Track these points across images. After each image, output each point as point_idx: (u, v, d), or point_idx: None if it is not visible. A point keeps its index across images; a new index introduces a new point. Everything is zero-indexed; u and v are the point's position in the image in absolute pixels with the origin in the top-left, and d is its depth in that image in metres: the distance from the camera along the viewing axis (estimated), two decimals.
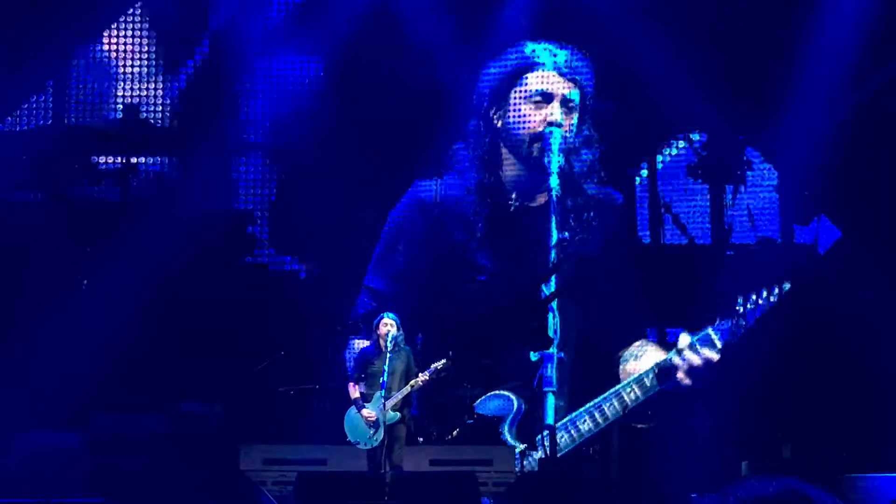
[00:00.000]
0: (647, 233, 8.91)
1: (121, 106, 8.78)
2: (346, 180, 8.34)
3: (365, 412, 5.87)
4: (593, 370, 7.09)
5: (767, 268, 8.02)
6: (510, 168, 7.10)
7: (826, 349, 7.86)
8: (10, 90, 8.35)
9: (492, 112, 7.11)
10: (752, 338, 6.71)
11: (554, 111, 6.98)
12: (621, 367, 7.00)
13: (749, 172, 8.75)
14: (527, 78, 7.09)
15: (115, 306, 7.85)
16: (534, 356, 6.68)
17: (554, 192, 6.90)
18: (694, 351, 6.66)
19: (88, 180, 8.71)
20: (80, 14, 8.49)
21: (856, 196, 8.41)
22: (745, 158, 8.71)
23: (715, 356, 6.63)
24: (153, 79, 8.87)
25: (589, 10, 8.09)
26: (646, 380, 6.69)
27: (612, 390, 6.68)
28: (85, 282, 8.19)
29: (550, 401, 6.61)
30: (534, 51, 7.17)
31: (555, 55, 7.15)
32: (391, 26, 8.34)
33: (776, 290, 6.78)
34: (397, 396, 5.88)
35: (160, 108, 8.81)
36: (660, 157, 8.98)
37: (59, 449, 6.62)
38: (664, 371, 6.68)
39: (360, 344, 6.42)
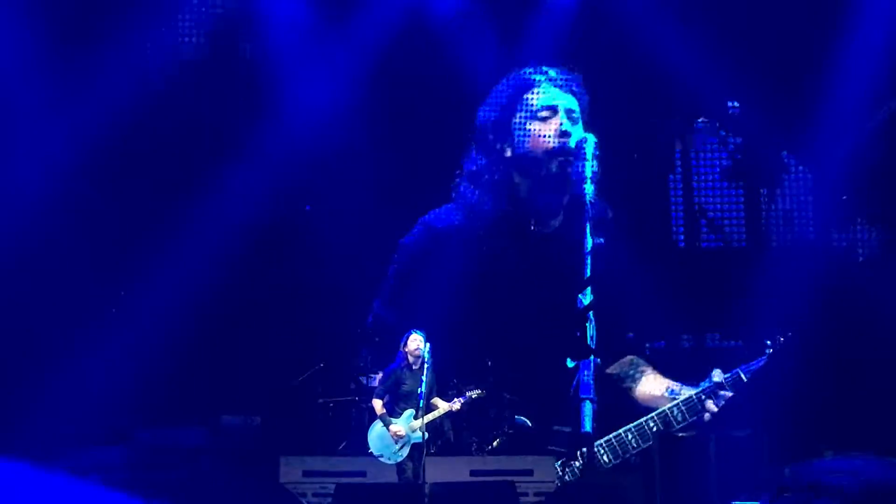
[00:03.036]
0: (682, 236, 8.89)
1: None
2: (377, 190, 8.36)
3: (394, 427, 5.91)
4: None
5: (804, 272, 8.01)
6: (526, 194, 7.08)
7: (865, 354, 7.82)
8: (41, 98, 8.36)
9: (498, 144, 7.10)
10: (792, 344, 6.68)
11: (563, 121, 7.00)
12: (618, 385, 7.01)
13: (785, 175, 8.72)
14: (528, 97, 7.09)
15: (155, 321, 7.88)
16: (570, 364, 6.69)
17: (588, 199, 6.87)
18: (723, 389, 6.68)
19: (121, 190, 8.74)
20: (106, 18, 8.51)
21: (893, 198, 8.36)
22: (781, 161, 8.68)
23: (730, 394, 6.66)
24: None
25: (629, 17, 8.10)
26: (670, 416, 6.70)
27: (635, 423, 6.68)
28: (122, 293, 8.23)
29: (588, 408, 6.58)
30: (526, 72, 7.21)
31: (546, 72, 7.18)
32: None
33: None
34: (429, 417, 5.93)
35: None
36: (692, 150, 8.95)
37: (102, 464, 6.66)
38: (691, 408, 6.70)
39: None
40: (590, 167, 6.86)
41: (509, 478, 6.05)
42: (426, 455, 5.94)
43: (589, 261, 6.61)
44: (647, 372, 6.96)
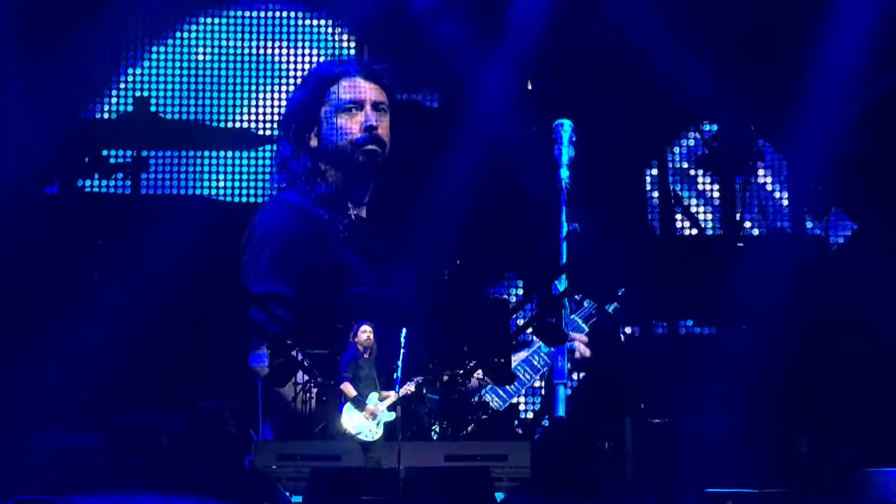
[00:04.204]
0: (657, 224, 8.93)
1: (131, 99, 8.83)
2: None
3: (369, 407, 6.01)
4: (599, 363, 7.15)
5: (778, 260, 8.05)
6: (335, 182, 7.14)
7: (839, 343, 7.87)
8: (22, 84, 8.36)
9: (305, 133, 7.17)
10: (765, 332, 6.74)
11: (369, 116, 7.08)
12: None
13: (760, 163, 8.77)
14: (332, 91, 7.17)
15: (130, 303, 7.87)
16: (545, 349, 6.78)
17: (564, 184, 6.92)
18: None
19: (100, 174, 8.74)
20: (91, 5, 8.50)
21: (869, 189, 8.41)
22: (756, 149, 8.71)
23: (585, 337, 6.85)
24: (164, 71, 8.91)
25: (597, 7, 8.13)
26: (535, 362, 6.87)
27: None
28: (96, 275, 8.21)
29: (561, 393, 6.67)
30: (333, 63, 7.29)
31: (354, 63, 7.28)
32: None
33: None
34: (390, 398, 6.06)
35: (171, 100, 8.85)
36: (673, 150, 9.00)
37: (76, 448, 6.66)
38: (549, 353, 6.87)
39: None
40: (566, 152, 6.90)
41: (483, 463, 6.07)
42: (401, 438, 5.98)
43: (564, 247, 6.65)
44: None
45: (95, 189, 8.74)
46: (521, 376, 6.87)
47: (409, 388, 6.15)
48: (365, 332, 6.15)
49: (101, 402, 7.38)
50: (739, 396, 7.14)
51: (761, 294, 7.74)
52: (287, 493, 6.11)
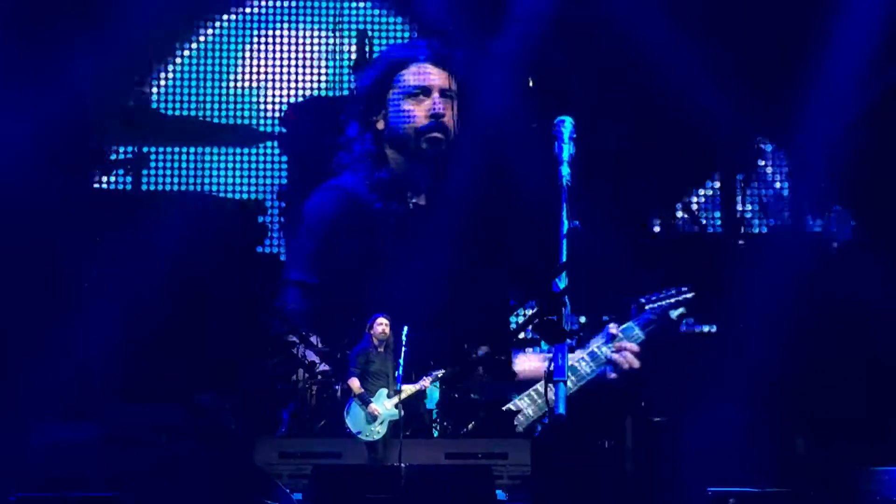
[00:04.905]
0: (658, 221, 8.92)
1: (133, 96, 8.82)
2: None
3: (372, 407, 5.97)
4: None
5: (779, 258, 8.04)
6: (398, 167, 7.15)
7: (839, 342, 7.86)
8: (25, 83, 8.35)
9: (371, 115, 7.17)
10: (766, 330, 6.73)
11: (436, 103, 7.07)
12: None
13: (761, 161, 8.75)
14: (403, 75, 7.16)
15: (129, 298, 7.86)
16: (545, 347, 6.76)
17: (565, 181, 6.88)
18: (619, 340, 6.80)
19: (101, 170, 8.74)
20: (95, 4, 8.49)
21: (871, 187, 8.40)
22: (757, 147, 8.70)
23: (637, 347, 6.77)
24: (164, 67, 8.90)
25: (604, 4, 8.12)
26: (578, 367, 6.81)
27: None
28: (94, 272, 8.20)
29: (562, 390, 6.64)
30: (404, 48, 7.27)
31: (425, 48, 7.25)
32: None
33: (680, 295, 6.93)
34: (403, 395, 6.00)
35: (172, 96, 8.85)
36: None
37: (76, 440, 6.66)
38: (595, 357, 6.81)
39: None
40: (567, 149, 6.88)
41: (484, 461, 6.08)
42: (402, 436, 5.98)
43: (565, 244, 6.63)
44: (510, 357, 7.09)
45: (96, 185, 8.74)
46: (581, 369, 6.83)
47: (425, 383, 6.11)
48: (381, 325, 6.08)
49: (100, 396, 7.37)
50: (741, 395, 7.13)
51: (762, 292, 7.73)
52: (287, 490, 6.13)
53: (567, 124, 6.85)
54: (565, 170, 6.80)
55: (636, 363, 6.83)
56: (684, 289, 6.93)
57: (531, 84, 8.35)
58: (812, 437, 7.19)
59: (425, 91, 7.05)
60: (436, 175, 7.06)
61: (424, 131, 7.01)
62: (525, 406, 6.84)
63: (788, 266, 7.88)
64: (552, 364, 6.62)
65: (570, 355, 6.79)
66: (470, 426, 6.56)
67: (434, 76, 7.06)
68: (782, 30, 8.37)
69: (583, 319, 7.95)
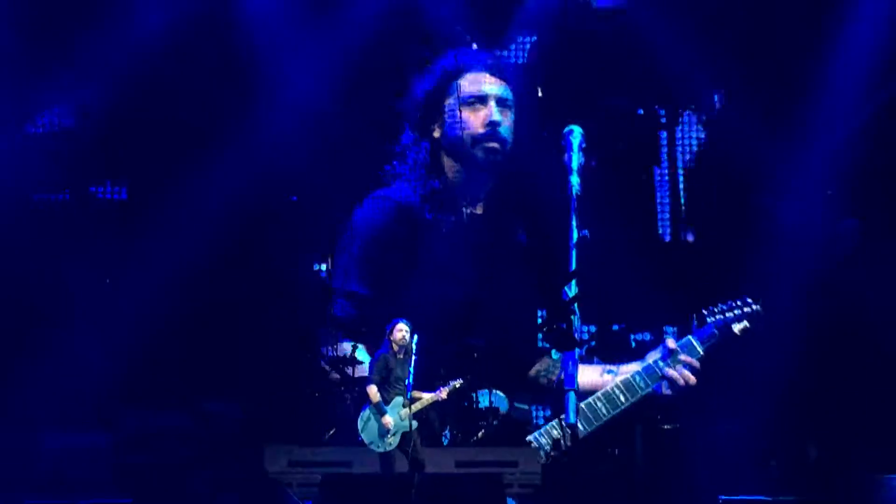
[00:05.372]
0: (668, 229, 8.92)
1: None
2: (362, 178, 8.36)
3: (386, 419, 5.93)
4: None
5: (789, 266, 8.04)
6: (454, 175, 7.12)
7: (851, 348, 7.86)
8: (32, 91, 8.36)
9: (428, 124, 7.15)
10: (777, 338, 6.71)
11: (492, 111, 7.04)
12: (548, 378, 7.06)
13: (769, 170, 8.75)
14: (459, 84, 7.13)
15: (139, 305, 7.87)
16: (555, 356, 6.74)
17: (574, 191, 6.88)
18: (679, 356, 6.71)
19: (106, 180, 8.76)
20: (104, 11, 8.50)
21: (879, 195, 8.40)
22: (765, 155, 8.70)
23: (696, 363, 6.70)
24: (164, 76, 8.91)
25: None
26: (633, 382, 6.72)
27: (602, 391, 6.68)
28: (108, 280, 8.22)
29: (572, 399, 6.62)
30: (460, 56, 7.23)
31: (481, 57, 7.22)
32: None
33: (745, 307, 6.84)
34: (417, 406, 5.96)
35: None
36: (678, 144, 8.98)
37: (85, 448, 6.66)
38: (651, 374, 6.73)
39: (346, 346, 6.47)
40: (576, 159, 6.88)
41: (494, 469, 6.06)
42: (419, 447, 5.95)
43: (574, 253, 6.62)
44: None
45: (102, 195, 8.75)
46: (636, 385, 6.76)
47: (442, 394, 6.07)
48: (401, 331, 6.03)
49: (109, 403, 7.38)
50: (751, 402, 7.12)
51: (771, 300, 7.72)
52: (297, 499, 6.11)
53: (576, 134, 6.85)
54: (574, 179, 6.80)
55: (693, 380, 6.72)
56: (749, 300, 6.82)
57: (540, 94, 8.37)
58: (825, 445, 7.18)
59: (482, 100, 7.01)
60: (493, 184, 7.00)
61: (480, 140, 6.97)
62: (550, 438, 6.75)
63: (797, 274, 7.88)
64: (562, 373, 6.62)
65: (622, 367, 6.77)
66: (480, 434, 6.54)
67: (491, 85, 7.02)
68: (790, 38, 8.37)
69: (593, 328, 7.97)
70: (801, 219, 8.62)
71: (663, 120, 8.77)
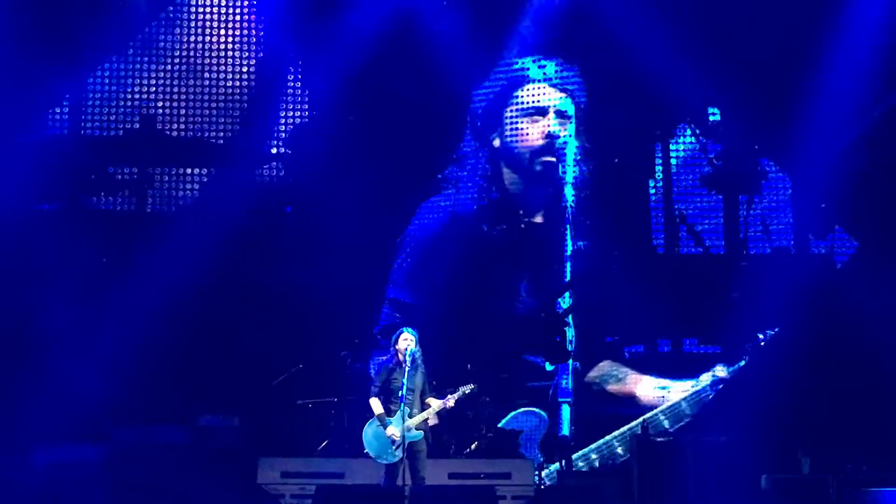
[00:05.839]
0: (662, 242, 8.91)
1: (138, 117, 8.83)
2: (360, 191, 8.34)
3: (391, 429, 5.88)
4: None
5: (782, 278, 8.03)
6: (513, 185, 7.11)
7: (844, 362, 7.84)
8: (28, 101, 8.36)
9: (488, 133, 7.13)
10: (770, 352, 6.72)
11: (551, 123, 7.00)
12: (602, 387, 7.05)
13: (764, 182, 8.75)
14: (519, 94, 7.11)
15: (134, 320, 7.86)
16: (549, 367, 6.74)
17: (568, 203, 6.89)
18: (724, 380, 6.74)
19: (105, 191, 8.74)
20: (100, 27, 8.51)
21: (872, 207, 8.40)
22: (760, 168, 8.71)
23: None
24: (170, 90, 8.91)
25: (608, 16, 8.13)
26: (680, 409, 6.74)
27: (639, 420, 6.71)
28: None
29: (566, 411, 6.65)
30: (523, 66, 7.20)
31: (543, 67, 7.18)
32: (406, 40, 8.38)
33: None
34: (423, 416, 5.91)
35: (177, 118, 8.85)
36: (673, 157, 8.99)
37: (79, 461, 6.64)
38: (699, 401, 6.75)
39: (382, 358, 6.45)
40: (571, 171, 6.89)
41: (487, 481, 6.05)
42: (424, 458, 5.92)
43: (569, 265, 6.63)
44: (629, 373, 7.02)
45: (101, 206, 8.74)
46: (682, 410, 6.75)
47: (449, 402, 6.02)
48: (406, 340, 5.98)
49: (103, 417, 7.37)
50: (744, 416, 7.11)
51: (765, 312, 7.73)
52: None
53: (571, 146, 6.86)
54: (569, 191, 6.81)
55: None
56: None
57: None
58: (818, 459, 7.17)
59: (541, 111, 7.00)
60: (553, 195, 6.97)
61: (538, 154, 6.94)
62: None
63: (791, 286, 7.87)
64: (556, 385, 6.63)
65: (671, 386, 6.77)
66: (473, 446, 6.54)
67: (551, 96, 6.99)
68: (785, 52, 8.38)
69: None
70: (793, 231, 8.63)
71: (658, 132, 8.77)
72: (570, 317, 6.59)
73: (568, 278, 6.67)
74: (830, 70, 8.28)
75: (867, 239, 8.48)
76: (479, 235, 6.95)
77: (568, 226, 6.78)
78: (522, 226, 7.03)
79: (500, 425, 6.38)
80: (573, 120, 7.03)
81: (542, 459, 6.58)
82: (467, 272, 6.98)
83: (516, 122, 7.02)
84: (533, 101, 7.03)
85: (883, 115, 8.38)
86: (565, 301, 6.64)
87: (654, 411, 6.68)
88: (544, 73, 7.10)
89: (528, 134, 7.03)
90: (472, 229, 6.97)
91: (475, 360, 6.42)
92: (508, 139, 7.06)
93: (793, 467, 6.91)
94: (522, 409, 6.74)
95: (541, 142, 6.98)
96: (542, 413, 6.75)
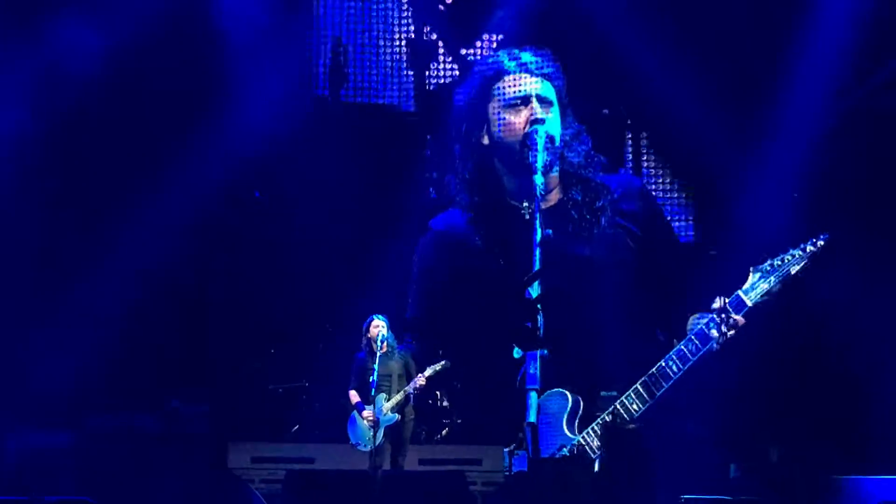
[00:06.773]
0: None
1: None
2: (330, 179, 8.34)
3: (365, 413, 5.93)
4: (573, 368, 7.11)
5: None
6: (509, 180, 7.05)
7: (812, 352, 7.91)
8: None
9: (474, 133, 7.08)
10: (738, 341, 6.73)
11: (535, 109, 6.95)
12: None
13: (734, 175, 8.80)
14: (498, 87, 7.06)
15: (104, 306, 7.84)
16: (517, 354, 6.72)
17: (538, 190, 6.85)
18: (727, 312, 6.67)
19: None
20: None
21: (842, 198, 8.46)
22: (732, 161, 8.75)
23: (742, 320, 6.65)
24: None
25: (582, 12, 8.15)
26: (686, 350, 6.68)
27: (654, 369, 6.65)
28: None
29: (534, 399, 6.62)
30: (497, 60, 7.16)
31: (517, 57, 7.14)
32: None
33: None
34: (396, 398, 5.95)
35: None
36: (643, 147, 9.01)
37: (49, 447, 6.62)
38: (702, 337, 6.69)
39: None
40: (541, 158, 6.87)
41: (458, 467, 6.08)
42: (407, 441, 5.94)
43: (538, 252, 6.61)
44: None
45: (69, 196, 8.71)
46: (686, 352, 6.71)
47: (420, 381, 6.05)
48: (377, 327, 6.02)
49: (73, 402, 7.35)
50: (713, 404, 7.13)
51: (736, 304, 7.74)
52: (261, 497, 6.11)
53: (541, 133, 6.83)
54: (539, 179, 6.79)
55: (742, 321, 6.66)
56: (816, 239, 6.74)
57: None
58: (786, 447, 7.22)
59: (524, 100, 6.93)
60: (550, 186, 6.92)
61: (526, 140, 6.89)
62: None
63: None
64: (524, 372, 6.62)
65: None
66: (444, 432, 6.56)
67: (531, 84, 6.94)
68: (755, 42, 8.42)
69: None
70: (765, 220, 8.67)
71: (629, 121, 8.80)
72: (539, 304, 6.55)
73: (537, 266, 6.63)
74: (804, 64, 8.33)
75: (836, 229, 8.53)
76: (476, 252, 6.91)
77: (538, 213, 6.73)
78: (527, 216, 6.96)
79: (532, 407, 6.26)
80: (555, 104, 6.99)
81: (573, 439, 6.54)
82: (468, 289, 6.93)
83: (501, 117, 6.97)
84: (514, 92, 6.98)
85: (849, 108, 8.43)
86: (534, 289, 6.61)
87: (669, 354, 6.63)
88: (519, 63, 7.05)
89: (514, 125, 6.98)
90: (467, 246, 6.92)
91: (458, 355, 6.43)
92: (497, 134, 7.02)
93: (761, 456, 6.97)
94: (556, 390, 6.70)
95: (528, 128, 6.94)
96: (569, 394, 6.71)
